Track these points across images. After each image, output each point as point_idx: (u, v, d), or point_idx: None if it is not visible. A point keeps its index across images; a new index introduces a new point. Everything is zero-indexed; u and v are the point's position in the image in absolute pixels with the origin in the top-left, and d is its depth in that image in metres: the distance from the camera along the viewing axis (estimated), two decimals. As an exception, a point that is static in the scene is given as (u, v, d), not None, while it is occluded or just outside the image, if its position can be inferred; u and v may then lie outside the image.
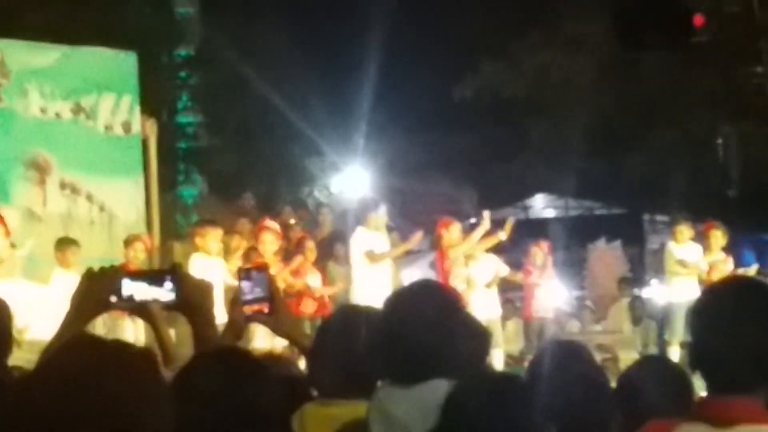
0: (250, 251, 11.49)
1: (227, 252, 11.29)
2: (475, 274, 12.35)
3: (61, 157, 12.12)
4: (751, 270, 13.50)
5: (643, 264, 22.96)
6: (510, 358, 13.62)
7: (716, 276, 11.65)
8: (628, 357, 11.41)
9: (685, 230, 13.33)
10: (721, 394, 2.46)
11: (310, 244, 12.05)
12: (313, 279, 11.94)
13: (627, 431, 3.18)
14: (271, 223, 11.81)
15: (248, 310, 3.39)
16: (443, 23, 27.43)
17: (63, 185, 12.15)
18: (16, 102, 11.85)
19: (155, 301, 3.15)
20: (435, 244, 12.88)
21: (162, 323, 3.43)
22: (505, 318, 13.97)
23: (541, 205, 28.43)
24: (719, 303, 2.54)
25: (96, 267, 3.18)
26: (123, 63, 13.09)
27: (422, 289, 3.38)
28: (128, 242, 11.31)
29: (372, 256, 11.43)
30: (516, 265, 13.79)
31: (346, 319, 3.56)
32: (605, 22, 26.42)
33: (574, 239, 20.49)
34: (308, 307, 11.70)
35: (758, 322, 2.48)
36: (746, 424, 2.40)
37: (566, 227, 22.79)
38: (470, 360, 3.19)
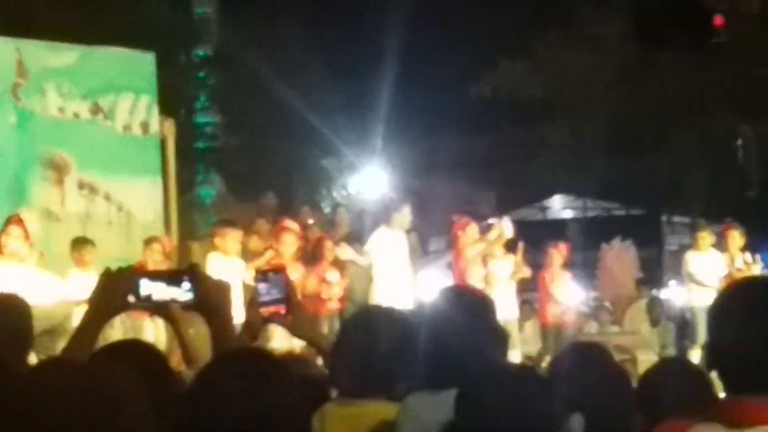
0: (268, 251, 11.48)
1: (246, 252, 11.28)
2: (495, 271, 12.31)
3: (79, 157, 12.15)
4: (769, 271, 13.38)
5: (661, 265, 22.88)
6: (528, 359, 13.58)
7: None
8: (646, 358, 11.33)
9: (707, 236, 12.96)
10: (738, 395, 2.44)
11: (329, 244, 12.03)
12: (333, 277, 11.95)
13: (647, 432, 3.17)
14: (292, 224, 11.78)
15: (265, 311, 3.38)
16: (462, 23, 27.45)
17: (81, 185, 12.17)
18: (35, 102, 11.88)
19: (173, 301, 3.14)
20: (451, 244, 12.85)
21: (183, 323, 3.43)
22: (522, 319, 13.93)
23: (560, 206, 28.31)
24: (735, 303, 2.51)
25: (114, 267, 3.18)
26: (141, 63, 13.12)
27: (457, 296, 3.39)
28: (146, 243, 11.39)
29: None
30: (534, 266, 13.73)
31: (367, 319, 3.56)
32: (625, 23, 26.46)
33: (593, 240, 20.41)
34: (328, 304, 11.70)
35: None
36: (762, 425, 2.37)
37: (584, 228, 22.74)
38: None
